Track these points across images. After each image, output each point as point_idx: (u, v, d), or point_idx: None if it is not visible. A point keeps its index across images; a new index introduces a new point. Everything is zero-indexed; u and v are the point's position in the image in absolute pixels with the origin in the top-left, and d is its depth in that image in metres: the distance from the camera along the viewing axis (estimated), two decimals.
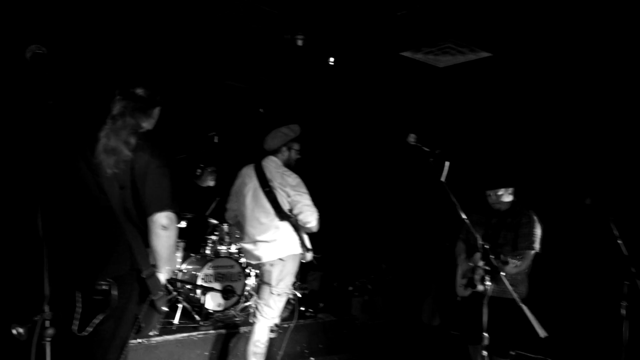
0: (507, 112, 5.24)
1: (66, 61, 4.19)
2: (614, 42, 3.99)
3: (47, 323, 1.19)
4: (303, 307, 4.69)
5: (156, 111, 2.36)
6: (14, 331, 1.42)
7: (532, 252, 3.17)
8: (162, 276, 2.14)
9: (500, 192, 3.35)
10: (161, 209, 2.04)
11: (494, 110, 5.36)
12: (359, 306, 5.32)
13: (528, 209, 3.42)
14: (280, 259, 3.35)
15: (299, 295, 4.75)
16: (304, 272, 5.50)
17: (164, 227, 2.04)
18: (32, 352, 1.17)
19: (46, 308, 1.19)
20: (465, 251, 3.60)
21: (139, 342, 3.59)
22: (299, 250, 3.42)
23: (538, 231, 3.28)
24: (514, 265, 2.99)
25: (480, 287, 2.31)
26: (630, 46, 3.99)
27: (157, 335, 3.73)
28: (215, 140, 4.53)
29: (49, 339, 1.19)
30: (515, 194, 3.43)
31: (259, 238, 3.37)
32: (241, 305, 4.53)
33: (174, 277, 4.45)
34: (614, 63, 4.27)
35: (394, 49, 4.55)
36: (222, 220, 4.54)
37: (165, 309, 2.19)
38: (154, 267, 2.07)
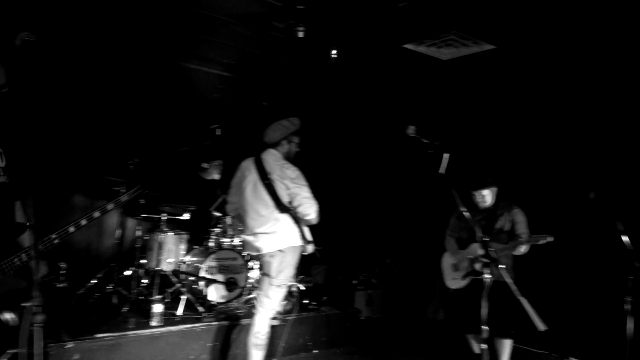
0: (511, 105, 5.19)
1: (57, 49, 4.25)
2: (620, 34, 3.92)
3: (37, 309, 1.20)
4: (306, 300, 4.71)
5: None
6: (3, 317, 1.45)
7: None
8: None
9: (485, 192, 3.64)
10: None
11: (497, 104, 5.31)
12: (362, 300, 5.33)
13: (511, 202, 3.68)
14: (280, 251, 3.36)
15: (302, 288, 4.77)
16: (308, 265, 5.52)
17: None
18: (20, 337, 1.18)
19: (35, 294, 1.20)
20: (456, 244, 3.82)
21: (141, 333, 3.63)
22: (299, 242, 3.43)
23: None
24: (545, 241, 3.22)
25: (486, 275, 2.32)
26: (635, 38, 3.92)
27: (161, 326, 3.77)
28: (218, 132, 4.54)
29: (39, 324, 1.20)
30: (497, 191, 3.70)
31: (258, 230, 3.38)
32: (244, 298, 4.56)
33: (177, 268, 4.49)
34: (619, 56, 4.20)
35: (396, 41, 4.52)
36: (225, 212, 4.56)
37: None
38: None
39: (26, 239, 2.15)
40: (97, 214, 2.29)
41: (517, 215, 3.61)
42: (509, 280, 2.37)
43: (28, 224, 2.15)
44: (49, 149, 4.35)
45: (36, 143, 2.21)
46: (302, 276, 5.03)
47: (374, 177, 6.44)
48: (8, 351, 1.40)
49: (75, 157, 4.81)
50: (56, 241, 2.10)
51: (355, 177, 6.49)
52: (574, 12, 3.74)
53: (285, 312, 4.27)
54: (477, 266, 3.53)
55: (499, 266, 2.32)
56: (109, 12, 4.22)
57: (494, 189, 3.69)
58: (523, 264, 3.60)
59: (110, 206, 2.35)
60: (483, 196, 3.66)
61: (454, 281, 3.76)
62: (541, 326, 2.29)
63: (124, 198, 2.41)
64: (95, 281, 4.39)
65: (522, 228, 3.56)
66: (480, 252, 2.39)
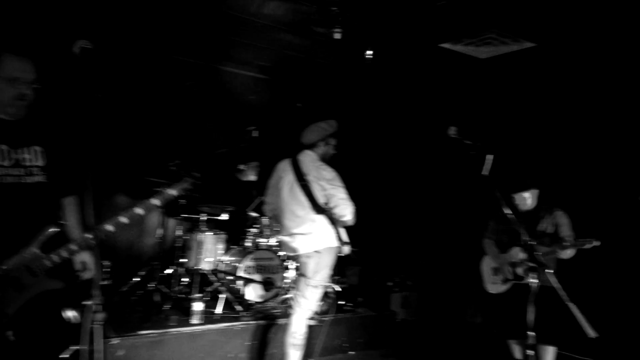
0: (553, 104, 5.03)
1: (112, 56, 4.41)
2: None
3: (97, 308, 1.25)
4: (342, 301, 4.72)
5: None
6: (65, 315, 1.52)
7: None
8: None
9: (526, 194, 3.55)
10: None
11: (538, 103, 5.16)
12: (398, 302, 5.29)
13: (553, 204, 3.57)
14: (316, 252, 3.38)
15: (338, 289, 4.77)
16: (342, 266, 5.52)
17: None
18: (81, 335, 1.24)
19: (96, 293, 1.25)
20: (496, 248, 3.74)
21: (182, 331, 3.71)
22: (335, 243, 3.44)
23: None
24: (591, 245, 3.15)
25: (530, 280, 2.27)
26: None
27: (201, 324, 3.85)
28: (254, 134, 4.61)
29: (101, 322, 1.25)
30: (539, 193, 3.60)
31: (295, 231, 3.42)
32: (281, 297, 4.60)
33: (216, 268, 4.58)
34: None
35: (433, 40, 4.46)
36: (261, 213, 4.62)
37: None
38: None
39: (71, 236, 2.12)
40: (139, 211, 2.16)
41: (561, 218, 3.51)
42: (556, 285, 2.30)
43: (61, 222, 2.16)
44: (93, 150, 4.51)
45: (81, 144, 2.21)
46: (336, 277, 5.03)
47: (410, 178, 6.38)
48: (71, 347, 1.46)
49: (118, 159, 4.98)
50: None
51: (392, 178, 6.44)
52: (620, 6, 3.60)
53: (322, 313, 4.28)
54: (520, 270, 3.45)
55: (547, 270, 2.26)
56: (148, 18, 4.35)
57: (535, 191, 3.60)
58: (568, 267, 3.49)
59: (155, 201, 2.22)
60: (524, 198, 3.57)
61: (495, 285, 3.69)
62: (591, 332, 2.21)
63: (171, 191, 2.25)
64: (138, 279, 4.52)
65: (566, 230, 3.46)
66: (523, 256, 2.33)
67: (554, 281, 2.32)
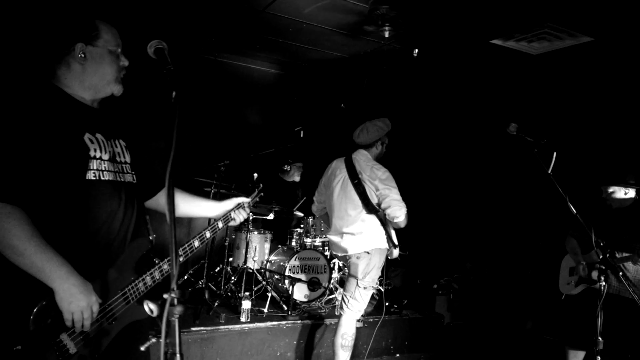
0: (618, 102, 4.78)
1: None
2: None
3: (175, 301, 1.26)
4: (387, 302, 4.66)
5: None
6: (146, 307, 1.55)
7: None
8: None
9: (613, 188, 3.27)
10: None
11: (602, 100, 4.91)
12: (443, 305, 5.18)
13: None
14: (367, 252, 3.33)
15: (382, 290, 4.72)
16: (385, 267, 5.45)
17: None
18: (162, 327, 1.25)
19: (174, 286, 1.26)
20: (579, 247, 3.47)
21: (232, 329, 3.75)
22: (385, 244, 3.38)
23: None
24: None
25: (602, 284, 2.13)
26: None
27: (249, 323, 3.88)
28: (300, 135, 4.63)
29: (177, 315, 1.26)
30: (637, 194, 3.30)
31: (345, 230, 3.38)
32: (326, 298, 4.59)
33: (262, 267, 4.62)
34: None
35: (483, 36, 4.34)
36: (307, 213, 4.62)
37: None
38: None
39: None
40: (221, 225, 2.00)
41: None
42: (630, 289, 2.16)
43: (152, 237, 1.79)
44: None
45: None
46: (382, 278, 4.98)
47: (454, 177, 6.25)
48: (152, 339, 1.49)
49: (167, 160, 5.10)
50: (181, 259, 1.82)
51: (436, 178, 6.33)
52: None
53: (368, 315, 4.25)
54: (594, 274, 3.21)
55: (620, 275, 2.12)
56: (198, 20, 4.44)
57: (631, 190, 3.26)
58: None
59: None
60: (610, 192, 3.26)
61: (568, 286, 3.47)
62: None
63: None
64: (186, 277, 4.61)
65: None
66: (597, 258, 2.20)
67: (627, 285, 2.18)
